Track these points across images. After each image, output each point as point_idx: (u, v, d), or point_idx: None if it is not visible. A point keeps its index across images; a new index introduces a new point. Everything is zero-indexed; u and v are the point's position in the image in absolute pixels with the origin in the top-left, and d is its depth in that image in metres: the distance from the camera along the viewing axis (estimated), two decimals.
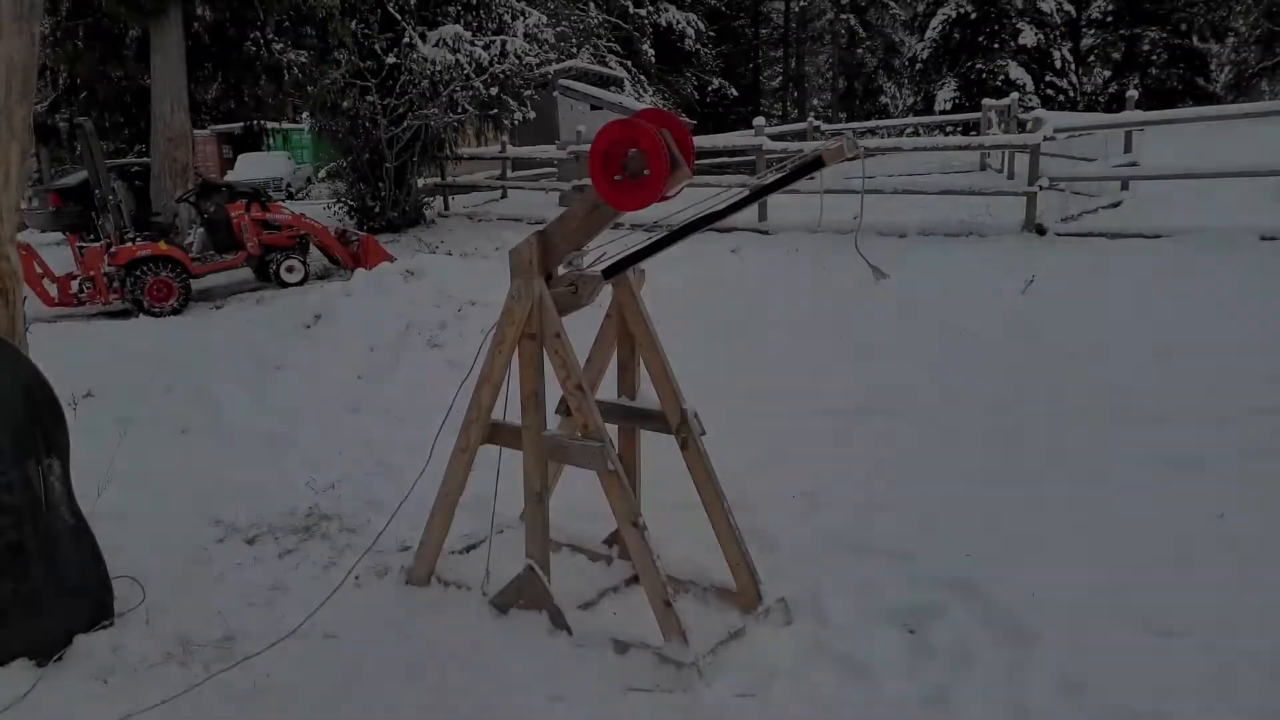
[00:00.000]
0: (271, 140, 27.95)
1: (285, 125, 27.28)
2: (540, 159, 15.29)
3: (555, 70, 18.07)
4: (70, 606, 3.27)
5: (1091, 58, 33.36)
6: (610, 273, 3.37)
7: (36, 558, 3.19)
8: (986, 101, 17.27)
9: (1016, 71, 28.32)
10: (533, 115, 14.94)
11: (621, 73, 24.53)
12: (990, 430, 5.16)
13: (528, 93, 13.52)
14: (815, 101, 43.24)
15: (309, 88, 11.96)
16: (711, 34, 32.30)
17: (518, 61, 13.34)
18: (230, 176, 24.43)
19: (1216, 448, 4.57)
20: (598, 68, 21.90)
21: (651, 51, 27.37)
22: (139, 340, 8.47)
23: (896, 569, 3.65)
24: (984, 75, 28.91)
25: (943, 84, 30.28)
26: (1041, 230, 9.87)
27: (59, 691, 3.07)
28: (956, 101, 28.77)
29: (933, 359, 6.51)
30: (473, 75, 12.94)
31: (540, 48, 14.13)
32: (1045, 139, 9.83)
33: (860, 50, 37.13)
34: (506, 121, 13.22)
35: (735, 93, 32.58)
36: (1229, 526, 3.78)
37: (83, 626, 3.29)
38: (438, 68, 12.53)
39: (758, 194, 3.07)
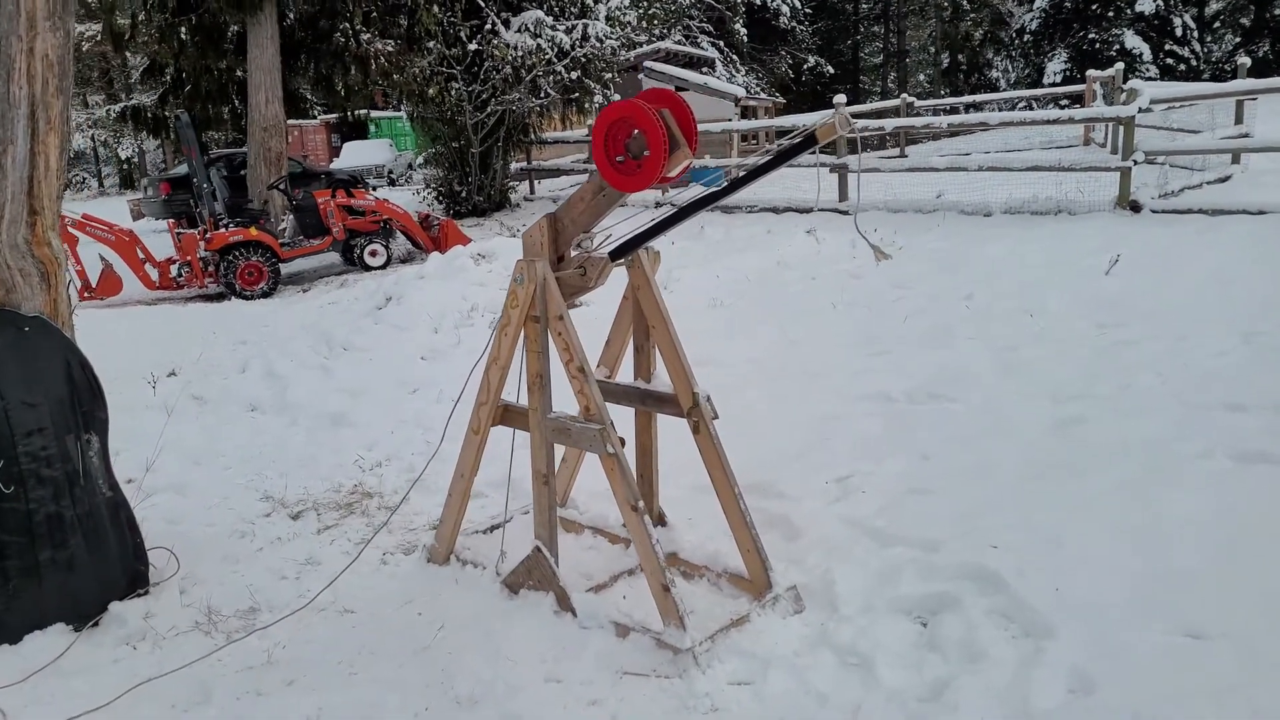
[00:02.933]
0: (376, 129, 28.95)
1: (389, 114, 28.20)
2: None
3: (642, 52, 18.04)
4: (106, 575, 3.47)
5: (1218, 23, 31.16)
6: (616, 255, 3.33)
7: (74, 528, 3.39)
8: (1091, 73, 16.38)
9: (1133, 40, 26.74)
10: (616, 98, 14.95)
11: (713, 53, 24.28)
12: (1050, 418, 4.90)
13: (608, 75, 13.52)
14: (922, 77, 41.90)
15: (395, 76, 12.26)
16: (808, 11, 31.61)
17: (599, 44, 13.37)
18: (335, 164, 25.41)
19: None
20: (687, 49, 21.73)
21: (744, 31, 26.95)
22: (227, 322, 8.91)
23: (918, 559, 3.51)
24: (1097, 45, 27.41)
25: (1052, 55, 28.86)
26: (1136, 207, 9.33)
27: (90, 655, 3.27)
28: (1067, 74, 27.38)
29: (1001, 342, 6.23)
30: (554, 60, 13.05)
31: (623, 30, 14.11)
32: (1141, 110, 9.24)
33: (965, 23, 35.70)
34: (588, 105, 13.27)
35: (832, 70, 31.82)
36: None
37: (118, 594, 3.49)
38: (520, 53, 12.69)
39: (754, 173, 2.98)
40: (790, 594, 3.33)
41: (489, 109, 12.86)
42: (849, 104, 23.75)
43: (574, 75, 12.89)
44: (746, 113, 18.70)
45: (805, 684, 2.91)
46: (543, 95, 13.25)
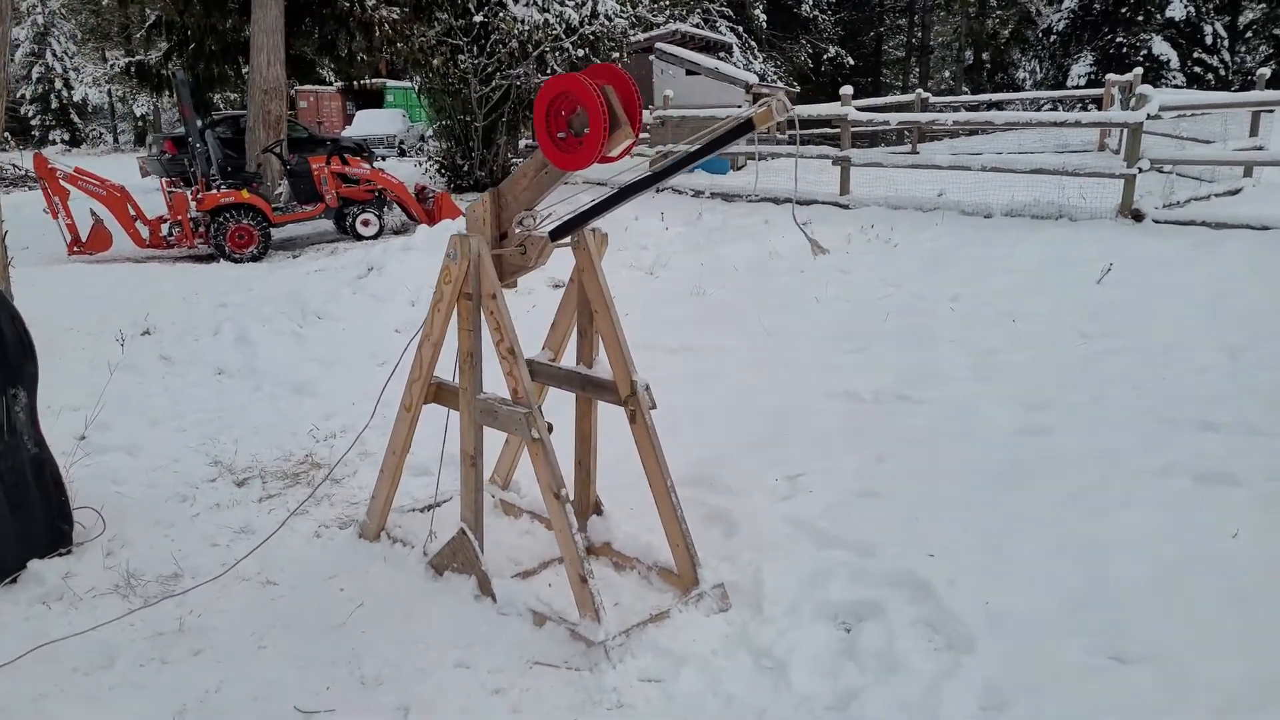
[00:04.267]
0: (392, 99, 28.83)
1: (405, 85, 28.04)
2: None
3: (656, 34, 17.84)
4: (27, 532, 3.42)
5: (1250, 33, 30.65)
6: (556, 235, 3.24)
7: None
8: (1110, 77, 16.10)
9: (1160, 47, 26.32)
10: None
11: (731, 38, 24.02)
12: (1017, 425, 4.81)
13: (616, 55, 13.36)
14: (947, 73, 41.44)
15: (400, 45, 12.14)
16: (832, 0, 31.24)
17: (608, 22, 13.20)
18: (346, 132, 25.32)
19: (1260, 460, 4.11)
20: (704, 32, 21.49)
21: (764, 17, 26.64)
22: (211, 284, 8.87)
23: (852, 563, 3.43)
24: (1124, 50, 26.98)
25: (1078, 58, 28.43)
26: (1138, 216, 9.15)
27: (4, 611, 3.23)
28: (1092, 77, 26.97)
29: (981, 345, 6.13)
30: (562, 36, 12.89)
31: (633, 9, 13.94)
32: (1149, 117, 9.04)
33: (992, 20, 35.23)
34: None
35: (852, 61, 31.45)
36: (1237, 549, 3.39)
37: (39, 552, 3.44)
38: (527, 27, 12.54)
39: (691, 157, 2.88)
40: (717, 592, 3.25)
41: (494, 83, 12.73)
42: (868, 96, 23.53)
43: (581, 53, 12.73)
44: (759, 100, 18.47)
45: (715, 685, 2.84)
46: (549, 71, 13.10)
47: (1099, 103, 19.33)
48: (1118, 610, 3.08)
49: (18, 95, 37.06)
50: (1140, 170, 9.16)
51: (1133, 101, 9.11)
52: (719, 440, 4.73)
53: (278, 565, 3.61)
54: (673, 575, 3.38)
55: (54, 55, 36.58)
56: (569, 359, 3.69)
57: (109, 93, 35.12)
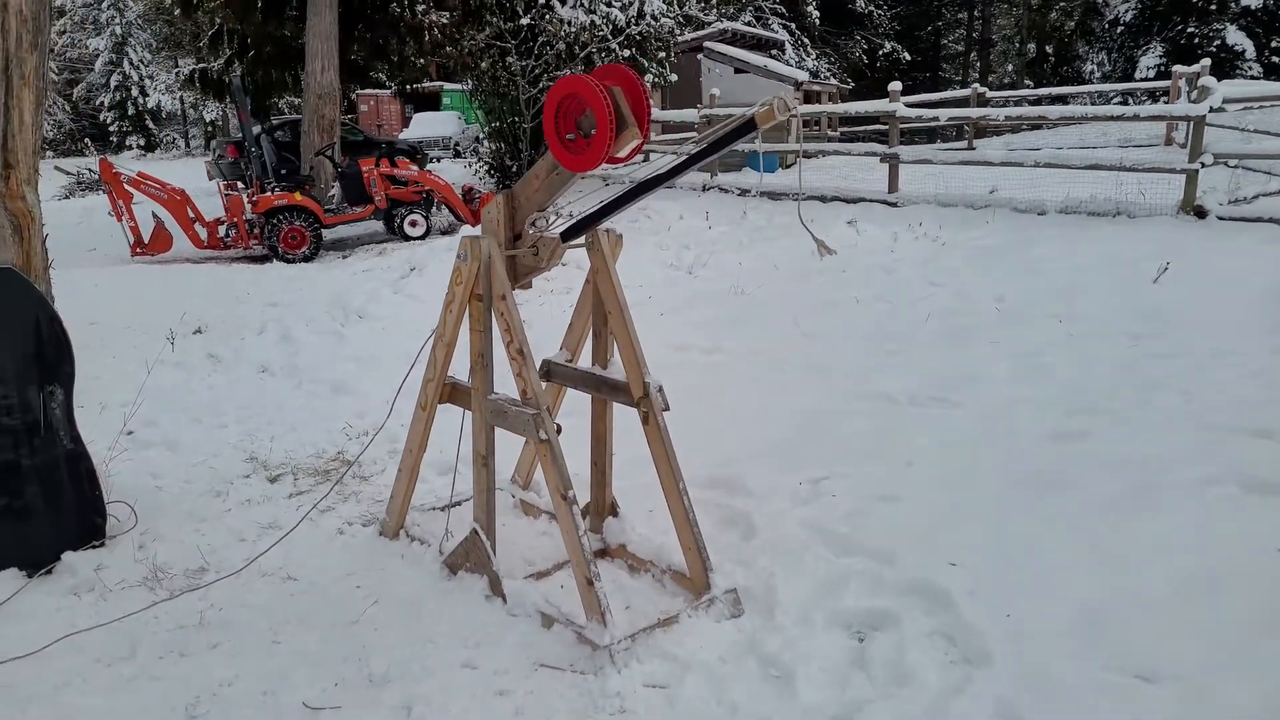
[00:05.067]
0: (449, 102, 29.23)
1: (461, 88, 28.40)
2: (676, 122, 15.11)
3: (706, 33, 17.77)
4: (61, 525, 3.54)
5: None
6: (567, 235, 3.24)
7: (31, 477, 3.47)
8: (1178, 68, 15.51)
9: (1235, 36, 25.30)
10: (673, 78, 14.77)
11: (783, 35, 23.81)
12: (1054, 430, 4.67)
13: (663, 55, 13.34)
14: (1010, 67, 40.46)
15: (449, 48, 12.30)
16: None
17: (655, 22, 13.19)
18: (403, 135, 25.75)
19: None
20: (755, 30, 21.34)
21: (816, 13, 26.34)
22: (262, 283, 9.09)
23: (870, 570, 3.36)
24: (1196, 40, 25.99)
25: (1147, 49, 27.48)
26: (1201, 213, 8.81)
27: (37, 601, 3.35)
28: (1161, 69, 26.04)
29: (1023, 347, 5.97)
30: (609, 37, 12.91)
31: (680, 8, 13.89)
32: (1212, 110, 8.70)
33: (1056, 12, 34.24)
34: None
35: (909, 57, 30.89)
36: (1277, 564, 3.23)
37: (73, 544, 3.56)
38: (573, 29, 12.59)
39: (695, 158, 2.85)
40: (729, 597, 3.22)
41: (541, 84, 12.81)
42: (926, 92, 23.05)
43: (627, 53, 12.73)
44: (809, 97, 18.27)
45: (720, 693, 2.80)
46: None
47: (1162, 95, 18.67)
48: (1145, 625, 2.96)
49: (97, 102, 38.56)
50: (1203, 165, 8.82)
51: (1194, 94, 8.77)
52: (744, 442, 4.68)
53: (299, 561, 3.68)
54: (686, 579, 3.35)
55: (130, 64, 37.95)
56: (586, 360, 3.69)
57: (180, 99, 36.29)
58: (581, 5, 12.42)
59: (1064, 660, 2.80)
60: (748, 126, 2.65)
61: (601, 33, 12.80)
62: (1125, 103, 23.92)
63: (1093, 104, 24.01)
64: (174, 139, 39.72)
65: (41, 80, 3.37)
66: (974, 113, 12.05)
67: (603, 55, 12.97)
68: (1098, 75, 31.29)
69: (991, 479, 4.11)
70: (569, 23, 12.42)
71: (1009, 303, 7.01)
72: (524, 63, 12.90)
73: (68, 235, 13.39)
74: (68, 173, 18.26)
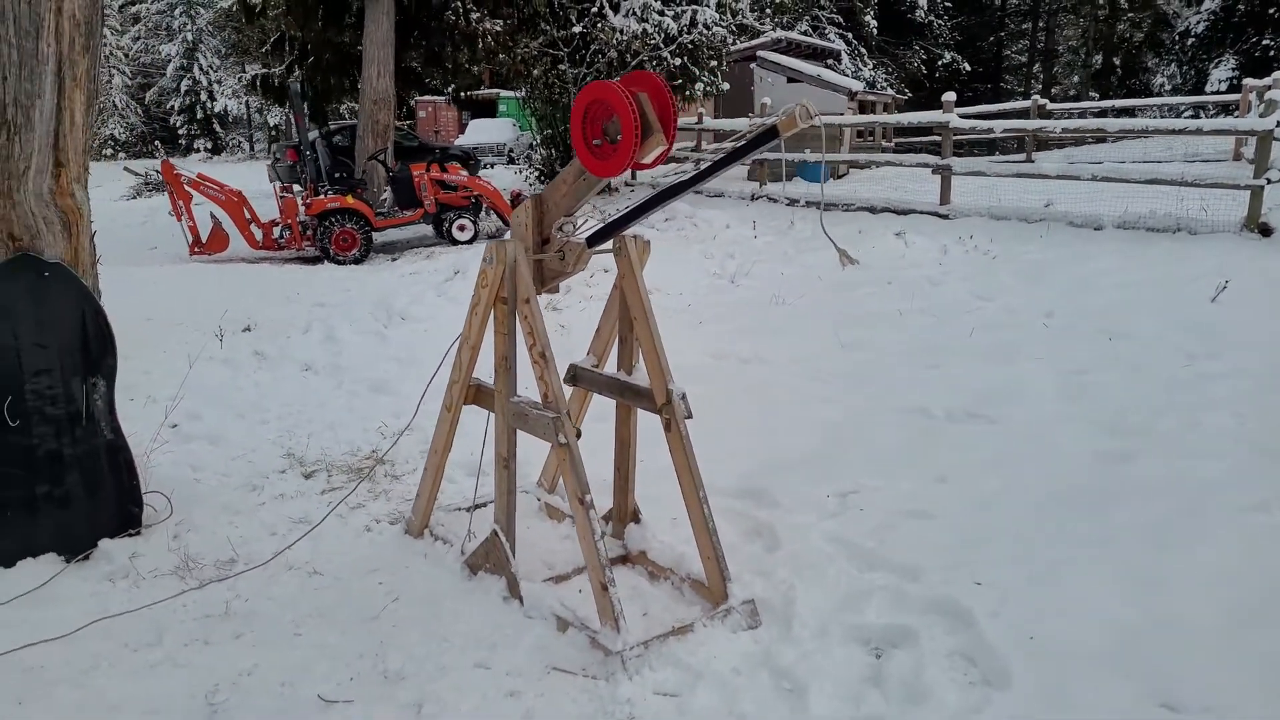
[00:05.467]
0: (505, 109, 29.59)
1: (517, 95, 28.73)
2: (726, 131, 15.08)
3: (760, 42, 17.72)
4: (99, 513, 3.65)
5: None
6: (593, 241, 3.25)
7: (72, 466, 3.58)
8: (1249, 81, 15.01)
9: None
10: (726, 87, 14.75)
11: (840, 45, 23.62)
12: (1096, 450, 4.54)
13: (713, 63, 13.33)
14: (1075, 79, 39.62)
15: (502, 56, 12.45)
16: (948, 4, 30.28)
17: (706, 31, 13.19)
18: (458, 140, 26.14)
19: None
20: (812, 40, 21.21)
21: (874, 23, 26.08)
22: (312, 284, 9.28)
23: (893, 586, 3.30)
24: (1271, 52, 25.17)
25: (1219, 62, 26.70)
26: (1266, 230, 8.52)
27: (73, 586, 3.45)
28: (1233, 82, 25.25)
29: (1070, 364, 5.82)
30: (661, 45, 12.95)
31: (734, 18, 13.88)
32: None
33: (1123, 23, 33.47)
34: (688, 93, 13.12)
35: (969, 68, 30.40)
36: None
37: (110, 532, 3.66)
38: (625, 37, 12.65)
39: (718, 165, 2.83)
40: (746, 608, 3.18)
41: None
42: (987, 103, 22.68)
43: (678, 62, 12.75)
44: (864, 107, 18.09)
45: (731, 704, 2.77)
46: None
47: (1232, 108, 18.09)
48: (1176, 653, 2.86)
49: (168, 106, 39.85)
50: (1269, 181, 8.52)
51: (1261, 108, 8.48)
52: (775, 452, 4.64)
53: (326, 556, 3.74)
54: (705, 588, 3.33)
55: (200, 69, 39.16)
56: (613, 366, 3.69)
57: (246, 104, 37.33)
58: (634, 14, 12.48)
59: (1088, 685, 2.72)
60: (770, 134, 2.63)
61: (653, 41, 12.85)
62: (1196, 116, 23.24)
63: (1161, 118, 23.36)
64: (239, 142, 40.85)
65: (92, 82, 3.49)
66: (1029, 124, 11.81)
67: (654, 64, 13.01)
68: (1167, 88, 30.46)
69: (1026, 498, 4.02)
70: (621, 31, 12.49)
71: (1058, 318, 6.85)
72: (576, 70, 13.01)
73: (132, 234, 13.87)
74: (136, 173, 18.87)
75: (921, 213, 11.26)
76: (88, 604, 3.34)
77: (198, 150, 38.78)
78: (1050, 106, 18.27)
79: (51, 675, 2.94)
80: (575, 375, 3.74)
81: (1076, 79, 38.70)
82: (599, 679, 2.89)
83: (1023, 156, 16.96)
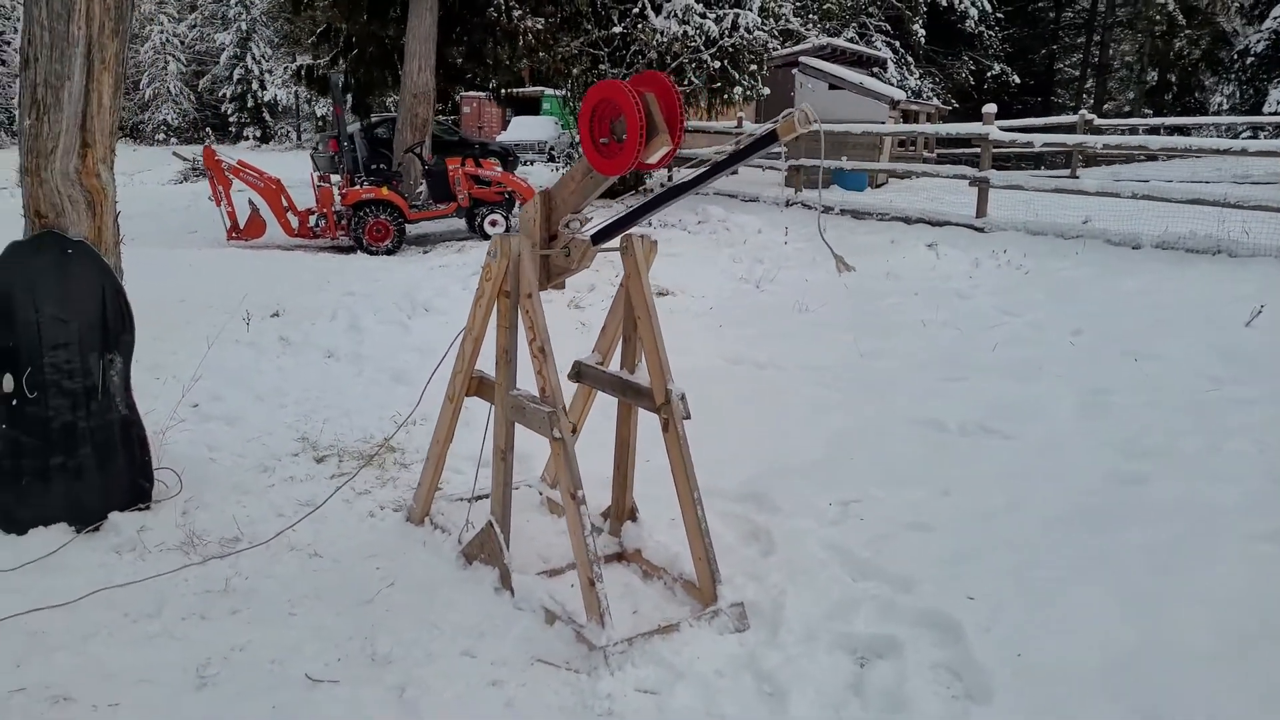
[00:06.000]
0: (549, 106, 29.75)
1: (561, 93, 28.85)
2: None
3: (803, 48, 17.64)
4: (111, 486, 3.74)
5: None
6: (597, 239, 3.27)
7: (86, 439, 3.68)
8: None
9: None
10: (766, 92, 14.70)
11: (886, 53, 23.43)
12: (1112, 472, 4.46)
13: (754, 67, 13.29)
14: (1130, 95, 38.89)
15: (542, 53, 12.54)
16: (1000, 15, 29.87)
17: (748, 35, 13.16)
18: (500, 137, 26.32)
19: None
20: (858, 47, 21.07)
21: (922, 31, 25.81)
22: (344, 273, 9.40)
23: (884, 597, 3.28)
24: None
25: (1279, 82, 26.04)
26: None
27: (81, 556, 3.54)
28: None
29: (1091, 384, 5.73)
30: (701, 48, 12.95)
31: (776, 22, 13.83)
32: None
33: (1180, 39, 32.74)
34: (726, 96, 13.11)
35: (1018, 80, 29.95)
36: None
37: (120, 505, 3.75)
38: (666, 39, 12.67)
39: (718, 167, 2.84)
40: (734, 610, 3.18)
41: None
42: (1037, 116, 22.34)
43: (718, 65, 12.74)
44: (907, 117, 17.95)
45: (710, 704, 2.78)
46: (686, 83, 13.18)
47: None
48: (1169, 676, 2.81)
49: (220, 94, 40.62)
50: None
51: None
52: (781, 458, 4.63)
53: (328, 539, 3.80)
54: (696, 589, 3.33)
55: (253, 58, 39.88)
56: (617, 364, 3.71)
57: (295, 94, 37.93)
58: (675, 15, 12.49)
59: (1074, 705, 2.68)
60: (770, 138, 2.63)
61: (694, 44, 12.85)
62: (1254, 137, 22.66)
63: (1217, 137, 22.82)
64: (287, 131, 41.53)
65: (120, 66, 3.58)
66: (1069, 139, 11.62)
67: (694, 66, 13.01)
68: (1225, 107, 29.77)
69: (1031, 515, 3.97)
70: (662, 32, 12.51)
71: (1085, 337, 6.74)
72: (616, 70, 13.05)
73: (176, 217, 14.17)
74: (184, 158, 19.21)
75: (956, 225, 11.14)
76: (94, 574, 3.43)
77: (246, 138, 39.47)
78: (1098, 122, 17.95)
79: (53, 641, 3.02)
80: (580, 372, 3.77)
81: (1131, 95, 37.99)
82: (581, 673, 2.91)
83: (1067, 172, 16.71)
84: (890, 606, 3.22)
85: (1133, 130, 19.25)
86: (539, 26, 12.22)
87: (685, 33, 12.56)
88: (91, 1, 3.44)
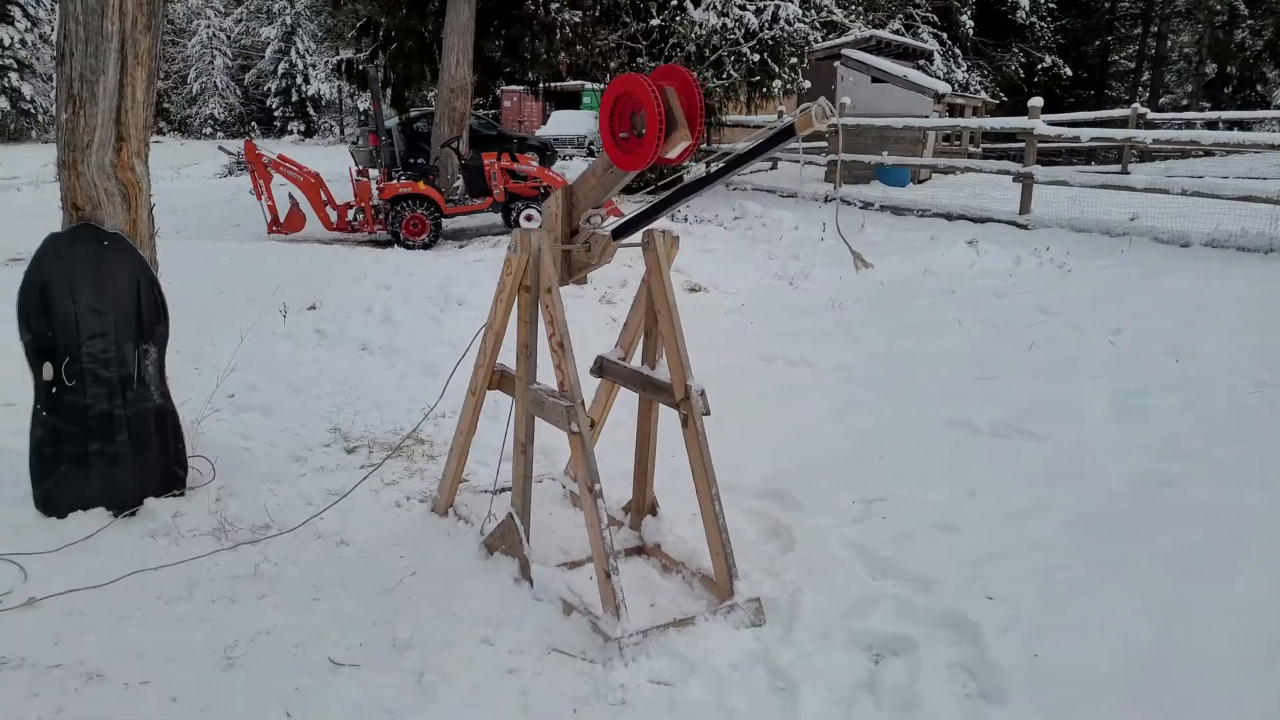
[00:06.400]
0: (589, 101, 29.84)
1: (602, 87, 28.90)
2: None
3: (847, 40, 17.46)
4: (146, 472, 3.85)
5: None
6: (617, 234, 3.29)
7: (122, 426, 3.79)
8: None
9: None
10: (807, 85, 14.60)
11: (933, 45, 23.09)
12: (1144, 474, 4.37)
13: (794, 60, 13.19)
14: (1188, 87, 37.90)
15: (579, 47, 12.57)
16: (1052, 6, 29.23)
17: (788, 27, 13.07)
18: (540, 131, 26.44)
19: None
20: (904, 39, 20.78)
21: (971, 23, 25.38)
22: (380, 267, 9.53)
23: (903, 595, 3.26)
24: None
25: None
26: None
27: (117, 540, 3.65)
28: None
29: (1128, 385, 5.62)
30: (740, 41, 12.89)
31: (817, 14, 13.71)
32: None
33: (1241, 31, 31.84)
34: (766, 90, 13.03)
35: (1070, 72, 29.29)
36: None
37: (156, 492, 3.86)
38: (704, 31, 12.63)
39: (735, 163, 2.83)
40: (750, 606, 3.19)
41: None
42: (1089, 110, 21.82)
43: (757, 58, 12.67)
44: (953, 110, 17.67)
45: (722, 698, 2.79)
46: (725, 76, 13.13)
47: None
48: (1189, 682, 2.76)
49: (265, 88, 41.34)
50: None
51: None
52: (807, 456, 4.61)
53: (355, 528, 3.88)
54: (713, 584, 3.34)
55: (297, 53, 40.52)
56: (639, 359, 3.72)
57: (338, 88, 38.48)
58: (714, 8, 12.44)
59: (1090, 709, 2.65)
60: (787, 132, 2.63)
61: (733, 36, 12.79)
62: None
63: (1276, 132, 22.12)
64: (330, 126, 42.15)
65: (153, 61, 3.68)
66: (1118, 134, 11.37)
67: (733, 60, 12.95)
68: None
69: (1057, 517, 3.91)
70: (700, 25, 12.47)
71: (1125, 337, 6.60)
72: (654, 64, 13.03)
73: (220, 211, 14.46)
74: (229, 153, 19.60)
75: (999, 221, 10.98)
76: (129, 557, 3.53)
77: (290, 133, 40.15)
78: (1152, 116, 17.54)
79: (88, 620, 3.13)
80: (602, 367, 3.79)
81: (1189, 88, 37.02)
82: (596, 663, 2.94)
83: (1118, 168, 16.35)
84: (908, 606, 3.20)
85: (1189, 124, 18.80)
86: (576, 20, 12.24)
87: (724, 25, 12.51)
88: None
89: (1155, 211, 10.43)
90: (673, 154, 3.00)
